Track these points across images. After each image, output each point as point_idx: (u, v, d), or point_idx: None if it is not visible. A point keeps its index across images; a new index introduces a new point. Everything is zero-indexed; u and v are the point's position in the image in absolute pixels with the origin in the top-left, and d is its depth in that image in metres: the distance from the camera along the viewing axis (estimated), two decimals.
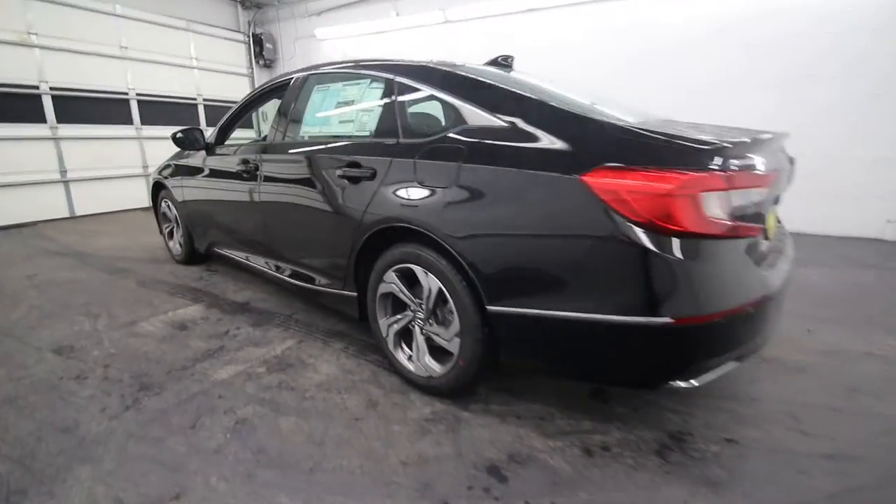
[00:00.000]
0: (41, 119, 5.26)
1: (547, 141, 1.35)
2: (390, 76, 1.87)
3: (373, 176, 1.75)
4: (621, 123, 1.35)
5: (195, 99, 6.87)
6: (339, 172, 1.89)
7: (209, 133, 2.93)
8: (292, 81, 2.39)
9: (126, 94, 6.00)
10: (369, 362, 2.02)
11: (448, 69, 1.75)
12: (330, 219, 1.96)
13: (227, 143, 2.93)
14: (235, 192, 2.60)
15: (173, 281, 3.18)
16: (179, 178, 3.19)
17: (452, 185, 1.49)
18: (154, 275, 3.32)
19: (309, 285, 2.22)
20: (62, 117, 5.40)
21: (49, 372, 1.95)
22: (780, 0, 4.36)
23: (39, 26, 5.11)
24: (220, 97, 7.18)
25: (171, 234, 3.62)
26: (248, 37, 7.54)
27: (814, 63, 4.31)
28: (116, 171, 6.00)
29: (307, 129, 2.30)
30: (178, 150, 3.39)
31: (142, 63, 6.11)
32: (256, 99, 2.74)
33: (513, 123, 1.46)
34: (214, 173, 2.81)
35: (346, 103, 2.15)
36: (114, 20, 5.79)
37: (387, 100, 1.87)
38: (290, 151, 2.24)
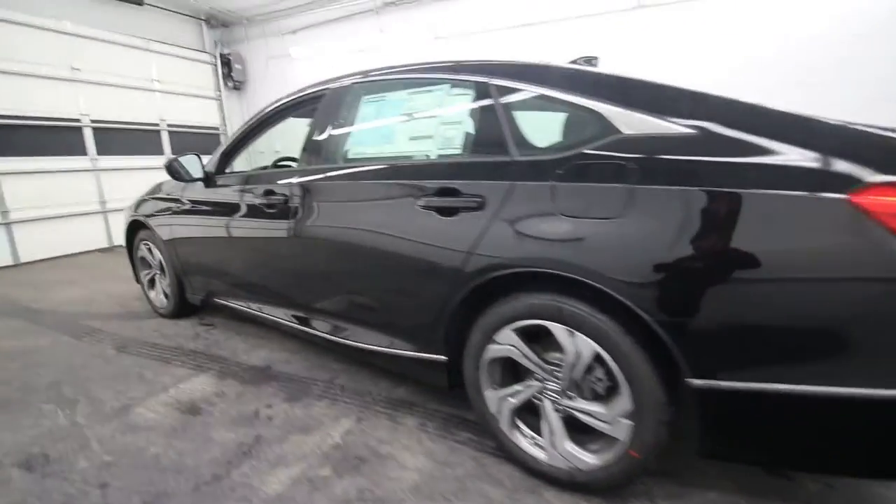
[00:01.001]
0: None
1: (779, 152, 0.99)
2: (484, 79, 1.47)
3: (480, 206, 1.33)
4: (866, 128, 1.00)
5: (158, 125, 6.19)
6: (420, 203, 1.46)
7: (207, 161, 2.41)
8: (327, 94, 1.95)
9: (78, 120, 5.28)
10: (463, 444, 1.56)
11: (571, 67, 1.38)
12: (405, 262, 1.52)
13: (230, 171, 2.42)
14: (252, 230, 2.10)
15: (163, 342, 2.58)
16: (167, 215, 2.62)
17: (622, 215, 1.10)
18: (136, 335, 2.70)
19: (365, 345, 1.75)
20: (2, 149, 4.63)
21: None
22: None
23: None
24: (186, 122, 6.53)
25: (152, 283, 3.01)
26: (216, 57, 6.96)
27: None
28: (69, 209, 5.22)
29: (359, 150, 1.86)
30: (154, 183, 2.85)
31: (96, 86, 5.42)
32: (269, 118, 2.26)
33: (702, 130, 1.09)
34: (219, 208, 2.29)
35: (415, 115, 1.74)
36: (64, 39, 5.11)
37: (482, 108, 1.46)
38: (339, 178, 1.78)
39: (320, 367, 2.19)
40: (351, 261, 1.73)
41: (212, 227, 2.35)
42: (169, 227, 2.62)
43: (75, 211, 5.28)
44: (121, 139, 5.71)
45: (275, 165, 2.86)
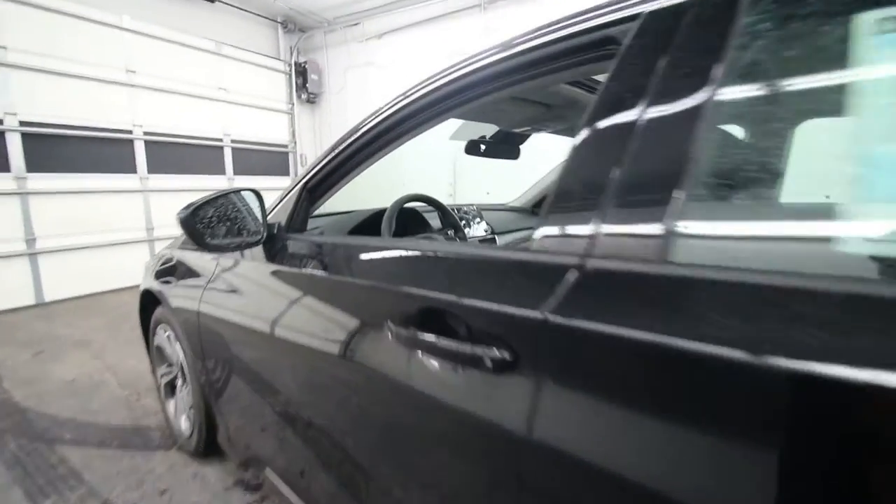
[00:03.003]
0: (3, 167, 3.65)
1: None
2: None
3: None
4: None
5: (221, 140, 5.30)
6: None
7: (274, 205, 1.18)
8: (645, 22, 0.62)
9: (130, 132, 4.42)
10: None
11: None
12: None
13: (316, 226, 1.18)
14: (395, 387, 0.79)
15: None
16: (193, 291, 1.41)
17: None
18: (127, 497, 1.49)
19: None
20: (35, 164, 3.79)
21: None
22: None
23: (7, 37, 3.60)
24: (253, 138, 5.63)
25: (171, 389, 1.81)
26: (290, 66, 6.08)
27: None
28: (108, 237, 4.32)
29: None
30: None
31: (154, 92, 4.58)
32: (408, 118, 0.97)
33: None
34: (301, 312, 1.00)
35: None
36: (120, 36, 4.31)
37: None
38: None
39: None
40: None
41: (279, 344, 1.07)
42: (196, 314, 1.40)
43: (116, 239, 4.38)
44: (176, 155, 4.82)
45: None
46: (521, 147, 1.64)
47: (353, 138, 1.01)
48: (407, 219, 1.46)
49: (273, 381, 1.10)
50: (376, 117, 0.98)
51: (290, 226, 1.12)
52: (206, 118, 5.11)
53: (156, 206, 4.65)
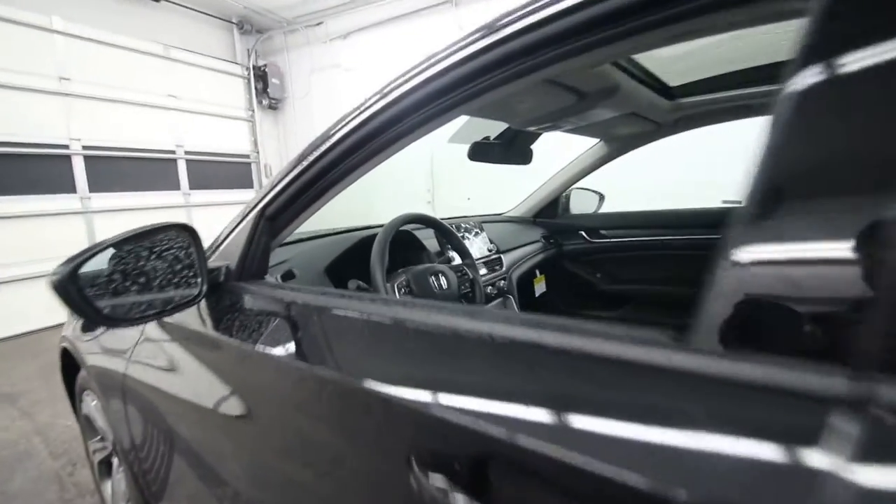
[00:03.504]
0: None
1: None
2: None
3: None
4: None
5: (174, 152, 4.83)
6: None
7: (218, 241, 0.86)
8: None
9: (66, 146, 3.93)
10: None
11: None
12: None
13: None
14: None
15: None
16: (121, 355, 1.06)
17: None
18: None
19: None
20: None
21: None
22: None
23: None
24: (209, 149, 5.17)
25: (107, 468, 1.43)
26: (248, 70, 5.65)
27: None
28: (45, 267, 3.81)
29: None
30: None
31: (92, 101, 4.09)
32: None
33: None
34: (286, 378, 0.65)
35: None
36: (49, 39, 3.82)
37: None
38: None
39: None
40: None
41: (231, 437, 0.74)
42: (121, 387, 1.04)
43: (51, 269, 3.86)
44: (123, 170, 4.34)
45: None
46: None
47: (325, 147, 0.70)
48: (397, 243, 1.15)
49: (226, 480, 0.77)
50: (357, 117, 0.67)
51: (244, 271, 0.80)
52: (156, 128, 4.63)
53: (101, 228, 4.15)
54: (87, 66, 4.04)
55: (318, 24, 5.40)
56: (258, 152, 5.81)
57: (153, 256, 0.67)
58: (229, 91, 5.49)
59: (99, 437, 1.40)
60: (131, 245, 0.65)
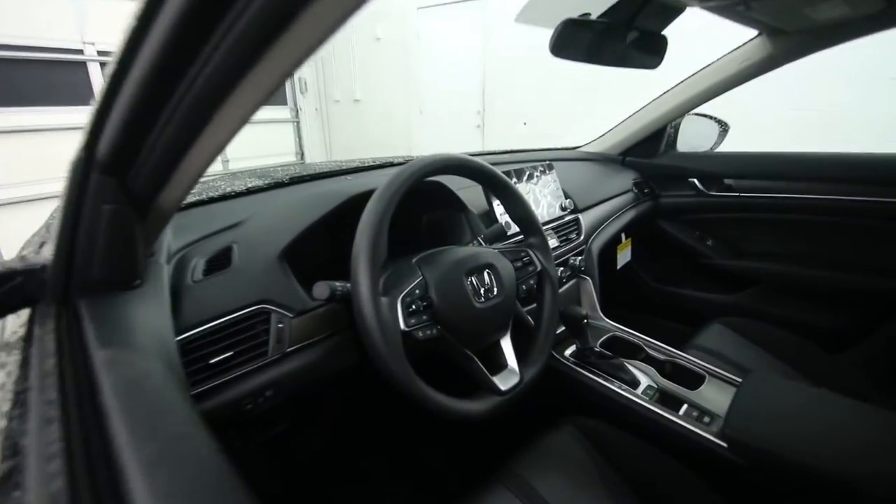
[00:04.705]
0: None
1: None
2: None
3: None
4: None
5: (82, 52, 3.49)
6: None
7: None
8: None
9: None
10: None
11: None
12: None
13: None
14: None
15: None
16: None
17: None
18: None
19: None
20: None
21: None
22: None
23: None
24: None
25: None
26: None
27: None
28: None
29: None
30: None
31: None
32: None
33: None
34: None
35: None
36: None
37: None
38: None
39: None
40: None
41: None
42: None
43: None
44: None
45: None
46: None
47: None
48: (413, 197, 0.67)
49: None
50: None
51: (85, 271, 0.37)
52: (55, 16, 3.28)
53: None
54: None
55: None
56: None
57: None
58: None
59: None
60: None
